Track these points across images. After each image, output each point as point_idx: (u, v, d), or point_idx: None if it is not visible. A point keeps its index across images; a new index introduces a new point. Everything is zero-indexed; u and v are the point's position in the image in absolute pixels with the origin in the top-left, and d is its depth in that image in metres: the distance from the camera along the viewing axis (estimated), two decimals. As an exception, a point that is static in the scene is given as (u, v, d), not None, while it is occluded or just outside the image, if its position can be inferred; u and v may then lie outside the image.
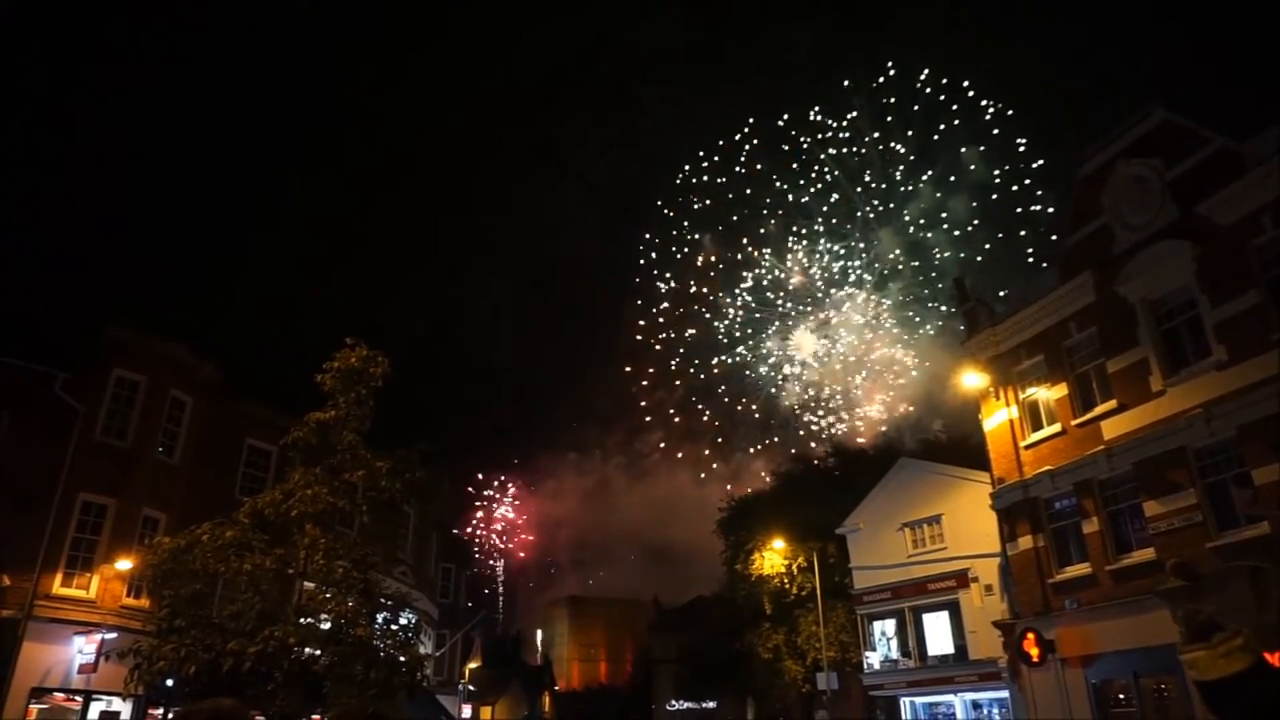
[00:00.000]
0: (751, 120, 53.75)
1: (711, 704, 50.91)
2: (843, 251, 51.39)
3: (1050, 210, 44.99)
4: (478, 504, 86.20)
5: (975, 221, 47.56)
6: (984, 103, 46.82)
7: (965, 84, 47.33)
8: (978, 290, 24.74)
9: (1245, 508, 16.22)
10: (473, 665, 46.36)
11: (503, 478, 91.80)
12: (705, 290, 54.35)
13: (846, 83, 51.28)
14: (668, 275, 56.10)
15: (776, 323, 52.96)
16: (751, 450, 58.42)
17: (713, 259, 54.06)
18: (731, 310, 53.58)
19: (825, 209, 51.55)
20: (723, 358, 54.57)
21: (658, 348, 56.59)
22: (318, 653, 14.21)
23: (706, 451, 62.12)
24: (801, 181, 51.57)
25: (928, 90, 48.21)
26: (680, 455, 71.65)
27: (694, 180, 55.32)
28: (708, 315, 54.50)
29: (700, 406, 58.31)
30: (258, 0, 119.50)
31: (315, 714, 15.41)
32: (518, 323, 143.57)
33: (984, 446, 22.91)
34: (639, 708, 58.17)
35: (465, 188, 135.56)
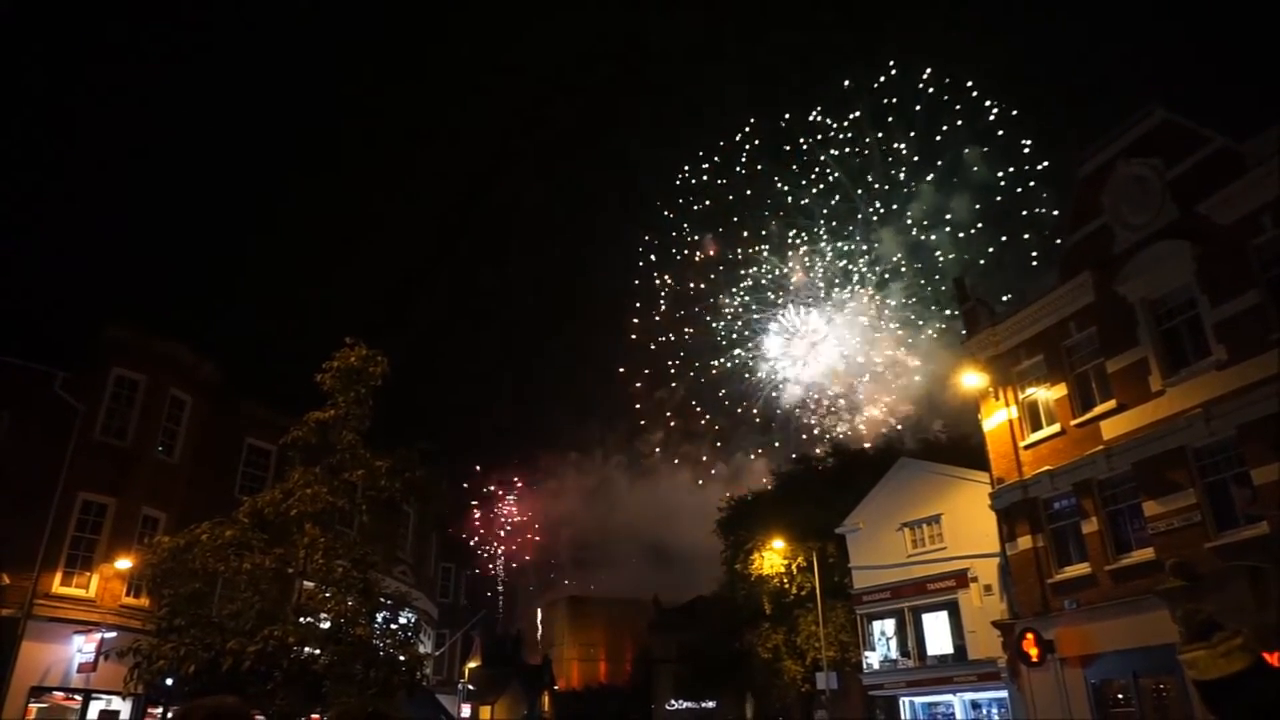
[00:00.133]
0: (752, 120, 53.76)
1: (711, 704, 50.93)
2: (848, 249, 51.33)
3: (1055, 213, 44.91)
4: (474, 503, 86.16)
5: (979, 225, 47.44)
6: (988, 103, 46.69)
7: (969, 84, 47.22)
8: (980, 292, 24.69)
9: (1245, 508, 16.22)
10: (472, 665, 46.38)
11: (502, 477, 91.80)
12: (704, 287, 54.34)
13: (847, 83, 51.26)
14: (666, 277, 56.11)
15: (776, 325, 52.95)
16: (752, 457, 58.45)
17: (711, 253, 54.05)
18: (730, 313, 53.58)
19: (824, 212, 51.51)
20: (721, 360, 54.57)
21: (653, 348, 56.60)
22: (317, 652, 14.20)
23: (704, 458, 62.15)
24: (803, 182, 51.56)
25: (930, 90, 48.15)
26: (680, 457, 71.66)
27: (693, 181, 55.33)
28: (707, 317, 54.52)
29: (699, 409, 58.33)
30: (258, 0, 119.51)
31: (315, 713, 15.41)
32: (518, 323, 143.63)
33: (983, 446, 22.91)
34: (639, 707, 58.19)
35: (466, 189, 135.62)
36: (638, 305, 58.23)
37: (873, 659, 30.74)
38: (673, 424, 61.50)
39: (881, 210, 50.66)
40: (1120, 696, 18.37)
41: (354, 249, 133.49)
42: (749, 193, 53.48)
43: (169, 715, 21.63)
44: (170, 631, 13.84)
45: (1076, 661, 18.94)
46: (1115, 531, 18.93)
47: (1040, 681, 19.69)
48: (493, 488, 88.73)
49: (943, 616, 28.77)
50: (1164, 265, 18.24)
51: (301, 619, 14.48)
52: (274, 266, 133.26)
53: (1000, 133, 46.72)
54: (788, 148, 52.13)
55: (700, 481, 63.52)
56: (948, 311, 47.17)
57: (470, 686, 45.16)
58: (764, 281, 53.24)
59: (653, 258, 56.94)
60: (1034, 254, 45.45)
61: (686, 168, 55.81)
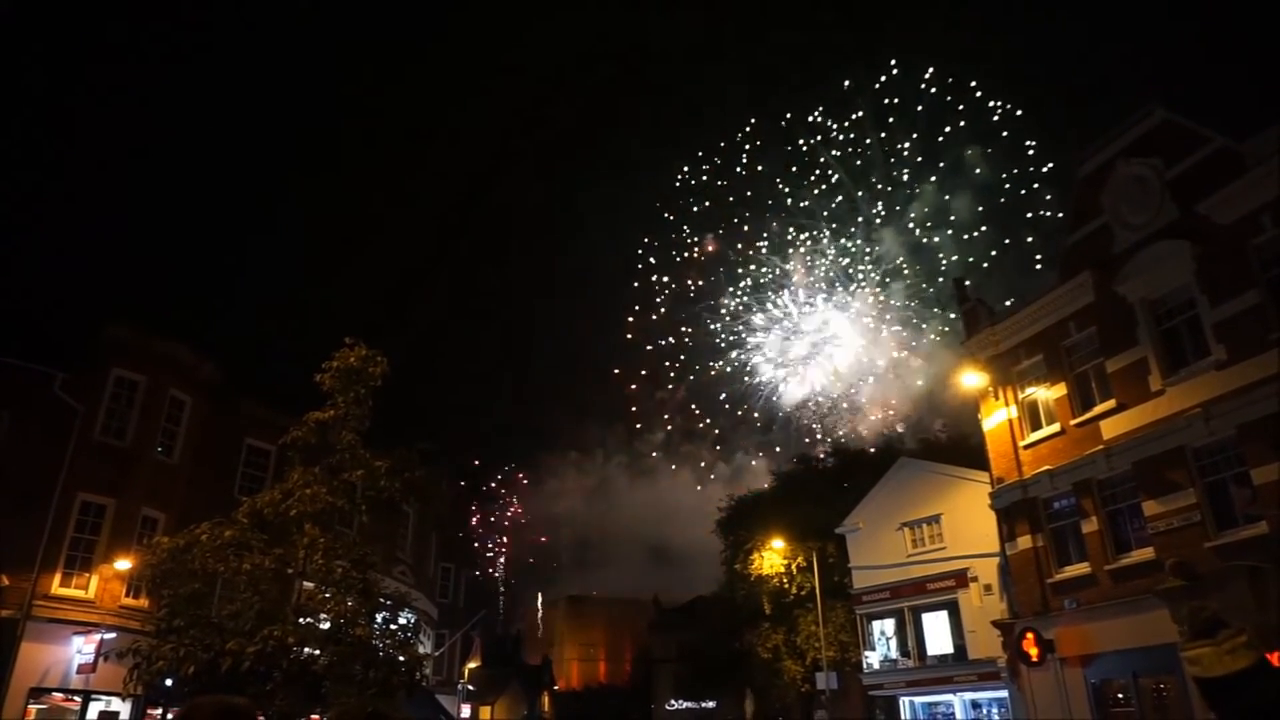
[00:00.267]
0: (753, 121, 53.69)
1: (711, 704, 50.94)
2: (851, 249, 51.26)
3: (1059, 215, 44.70)
4: (475, 504, 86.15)
5: (983, 227, 47.24)
6: (991, 103, 46.48)
7: (973, 84, 47.03)
8: (983, 294, 24.67)
9: (1244, 507, 16.22)
10: (472, 665, 46.36)
11: (502, 477, 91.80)
12: (704, 285, 54.30)
13: (847, 84, 51.18)
14: (664, 277, 56.06)
15: (776, 328, 52.95)
16: (754, 464, 58.44)
17: (710, 249, 53.98)
18: (728, 315, 53.56)
19: (824, 214, 51.46)
20: (719, 364, 54.54)
21: (650, 349, 56.58)
22: (317, 652, 14.21)
23: (702, 463, 62.17)
24: (805, 183, 51.48)
25: (932, 90, 47.98)
26: (680, 457, 71.69)
27: (692, 182, 55.27)
28: (707, 317, 54.49)
29: (698, 412, 58.32)
30: (257, 0, 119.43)
31: (314, 714, 15.40)
32: (518, 323, 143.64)
33: (983, 446, 22.92)
34: (638, 707, 58.18)
35: (466, 189, 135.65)
36: (636, 309, 58.14)
37: (873, 659, 30.74)
38: (673, 425, 61.48)
39: (883, 212, 50.62)
40: (1120, 696, 18.37)
41: (354, 249, 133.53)
42: (749, 194, 53.45)
43: (169, 716, 21.62)
44: (170, 632, 13.84)
45: (1076, 661, 18.94)
46: (1115, 531, 18.93)
47: (1040, 681, 19.69)
48: (493, 486, 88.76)
49: (943, 616, 28.77)
50: (1164, 265, 18.24)
51: (301, 619, 14.48)
52: (274, 266, 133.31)
53: (1005, 134, 46.52)
54: (789, 148, 52.09)
55: (700, 487, 63.56)
56: (952, 316, 47.02)
57: (470, 687, 45.15)
58: (764, 281, 53.23)
59: (651, 260, 56.88)
60: (1038, 257, 45.29)
61: (686, 168, 55.74)
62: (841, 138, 50.41)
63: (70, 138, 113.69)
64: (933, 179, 48.72)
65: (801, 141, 50.95)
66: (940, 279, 48.38)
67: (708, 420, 58.46)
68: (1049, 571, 20.11)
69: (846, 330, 51.37)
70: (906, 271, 49.92)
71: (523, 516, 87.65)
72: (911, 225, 49.61)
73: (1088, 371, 20.12)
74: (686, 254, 55.03)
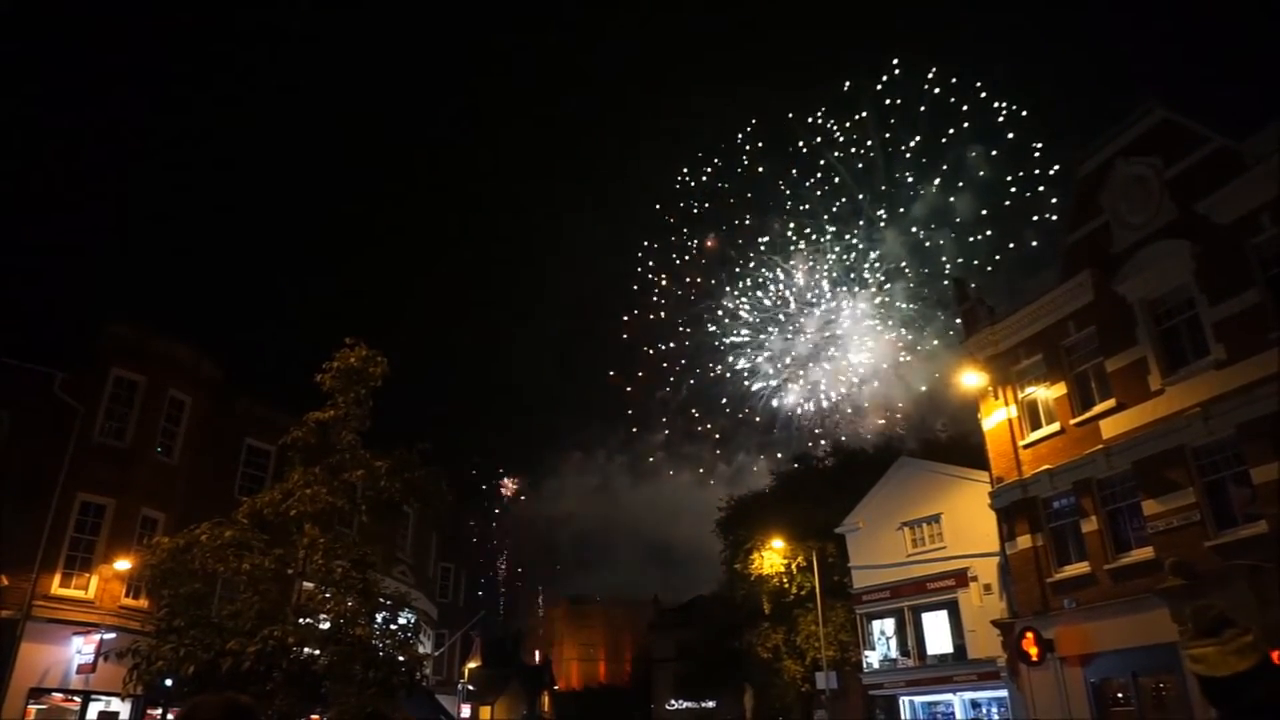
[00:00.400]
0: (754, 121, 53.64)
1: (711, 703, 50.94)
2: (853, 249, 51.18)
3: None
4: (485, 504, 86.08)
5: (988, 231, 47.14)
6: (996, 104, 46.33)
7: (978, 84, 46.87)
8: (986, 295, 24.58)
9: (1244, 507, 16.23)
10: (472, 665, 46.36)
11: (503, 477, 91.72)
12: (703, 283, 54.26)
13: (847, 84, 51.10)
14: (663, 278, 56.01)
15: (777, 329, 52.90)
16: (755, 468, 58.38)
17: (710, 246, 53.95)
18: (727, 318, 53.51)
19: (827, 215, 51.37)
20: (720, 365, 54.50)
21: (651, 352, 56.55)
22: (317, 652, 14.19)
23: (701, 470, 62.08)
24: (807, 184, 51.42)
25: (935, 91, 47.84)
26: (681, 457, 71.66)
27: (692, 184, 55.23)
28: (707, 319, 54.45)
29: (697, 414, 58.29)
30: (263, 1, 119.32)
31: (315, 714, 15.39)
32: (521, 323, 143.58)
33: (983, 446, 22.92)
34: (638, 707, 58.19)
35: (470, 190, 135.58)
36: (635, 313, 58.16)
37: (872, 658, 30.75)
38: (673, 425, 61.46)
39: (885, 214, 50.53)
40: (1120, 695, 18.37)
41: (355, 249, 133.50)
42: (749, 195, 53.42)
43: (169, 716, 21.61)
44: (169, 632, 13.83)
45: (1076, 660, 18.94)
46: (1115, 530, 18.94)
47: (1040, 681, 19.70)
48: (494, 484, 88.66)
49: (942, 616, 28.77)
50: (1163, 264, 18.24)
51: (301, 619, 14.47)
52: (275, 266, 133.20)
53: (1010, 135, 46.32)
54: (790, 149, 52.04)
55: (707, 481, 63.48)
56: (957, 320, 46.72)
57: (470, 687, 45.14)
58: (765, 282, 53.19)
59: (651, 263, 56.92)
60: (1043, 260, 45.13)
61: (685, 170, 55.73)
62: (843, 139, 50.38)
63: (71, 138, 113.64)
64: (936, 181, 48.62)
65: (802, 143, 50.92)
66: (944, 280, 48.29)
67: (708, 426, 58.45)
68: (1049, 571, 20.12)
69: (848, 331, 51.36)
70: (909, 273, 49.88)
71: (523, 516, 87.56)
72: (915, 229, 49.57)
73: (1087, 371, 20.12)
74: (687, 256, 55.05)
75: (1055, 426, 20.55)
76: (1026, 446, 21.29)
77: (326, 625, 14.69)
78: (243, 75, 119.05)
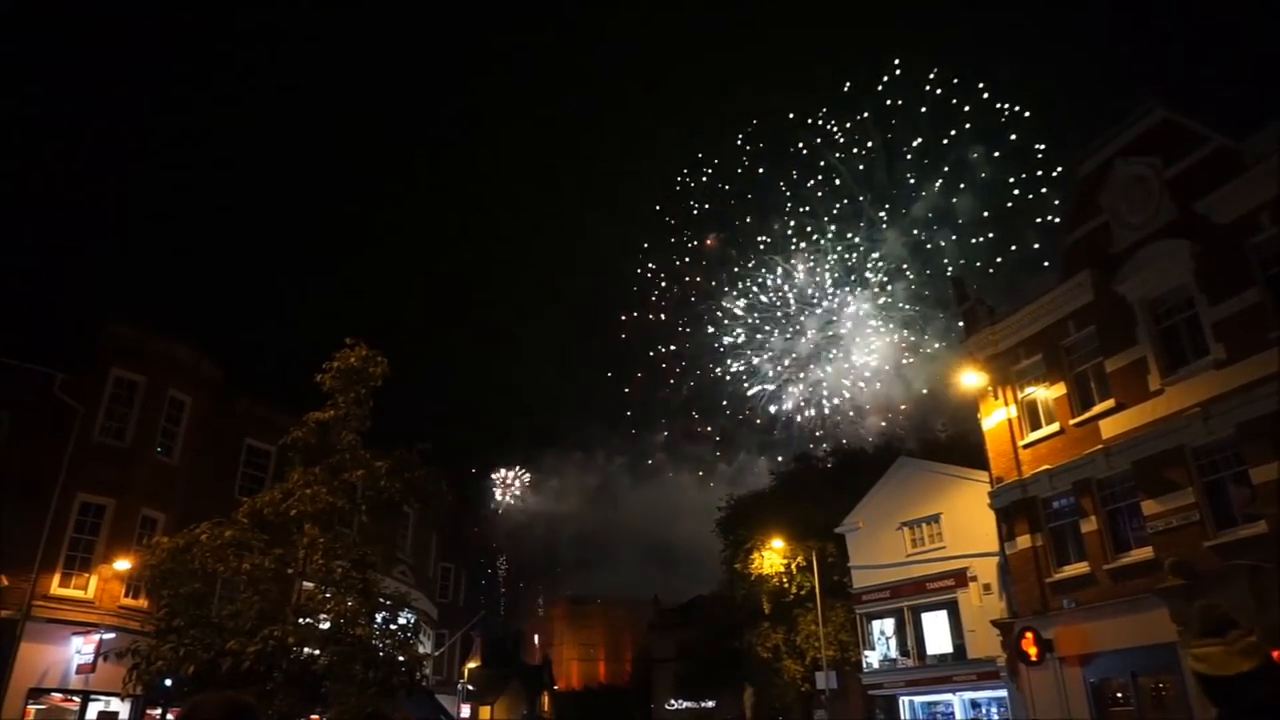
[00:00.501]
0: (754, 122, 53.62)
1: (711, 703, 50.95)
2: (860, 245, 51.09)
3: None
4: (490, 503, 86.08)
5: (990, 234, 47.00)
6: (999, 105, 46.18)
7: (980, 85, 46.75)
8: (987, 297, 24.57)
9: (1243, 506, 16.23)
10: (472, 665, 46.38)
11: (504, 477, 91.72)
12: (702, 282, 54.26)
13: (848, 85, 51.05)
14: (663, 279, 56.02)
15: (777, 330, 52.88)
16: (757, 475, 58.39)
17: (709, 244, 53.96)
18: (726, 320, 53.50)
19: (828, 216, 51.32)
20: (721, 365, 54.47)
21: (651, 355, 56.58)
22: (317, 652, 14.18)
23: (701, 473, 62.10)
24: (809, 184, 51.38)
25: (937, 91, 47.71)
26: (682, 457, 71.68)
27: (692, 184, 55.23)
28: (707, 319, 54.44)
29: (696, 416, 58.30)
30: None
31: (315, 714, 15.39)
32: (521, 323, 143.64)
33: (983, 445, 22.93)
34: (638, 707, 58.20)
35: (470, 190, 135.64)
36: (635, 314, 58.16)
37: (872, 658, 30.75)
38: (675, 425, 61.49)
39: (886, 215, 50.49)
40: (1119, 695, 18.38)
41: (355, 249, 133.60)
42: (749, 196, 53.42)
43: (168, 716, 21.61)
44: (169, 632, 13.82)
45: (1075, 660, 18.94)
46: (1114, 530, 18.94)
47: (1039, 680, 19.70)
48: (495, 483, 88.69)
49: (942, 616, 28.78)
50: (1162, 264, 18.24)
51: (301, 619, 14.46)
52: (274, 267, 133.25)
53: (1013, 137, 46.16)
54: (790, 149, 52.00)
55: (707, 482, 63.48)
56: (959, 323, 46.54)
57: (470, 687, 45.15)
58: (766, 283, 53.18)
59: (651, 264, 56.93)
60: (1045, 263, 45.00)
61: (685, 171, 55.76)
62: (844, 139, 50.34)
63: (71, 137, 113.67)
64: (938, 183, 48.53)
65: (803, 144, 50.89)
66: (946, 281, 48.13)
67: (708, 428, 58.46)
68: (1048, 571, 20.12)
69: (849, 331, 51.36)
70: (910, 274, 49.83)
71: (524, 516, 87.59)
72: (916, 232, 49.53)
73: (1087, 371, 20.13)
74: (687, 258, 55.06)
75: (1055, 426, 20.55)
76: (1026, 446, 21.30)
77: (326, 625, 14.69)
78: (243, 75, 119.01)
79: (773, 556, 36.03)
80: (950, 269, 47.36)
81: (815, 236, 51.52)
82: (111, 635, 20.42)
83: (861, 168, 50.46)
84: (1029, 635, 19.63)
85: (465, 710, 44.01)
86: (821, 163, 50.69)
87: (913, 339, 49.59)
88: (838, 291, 51.77)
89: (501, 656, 59.89)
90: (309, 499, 14.80)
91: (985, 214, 47.00)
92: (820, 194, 51.14)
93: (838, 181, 50.60)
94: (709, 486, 62.92)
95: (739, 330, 53.98)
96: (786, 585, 35.90)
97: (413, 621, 17.60)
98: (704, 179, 54.91)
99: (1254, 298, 16.42)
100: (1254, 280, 16.48)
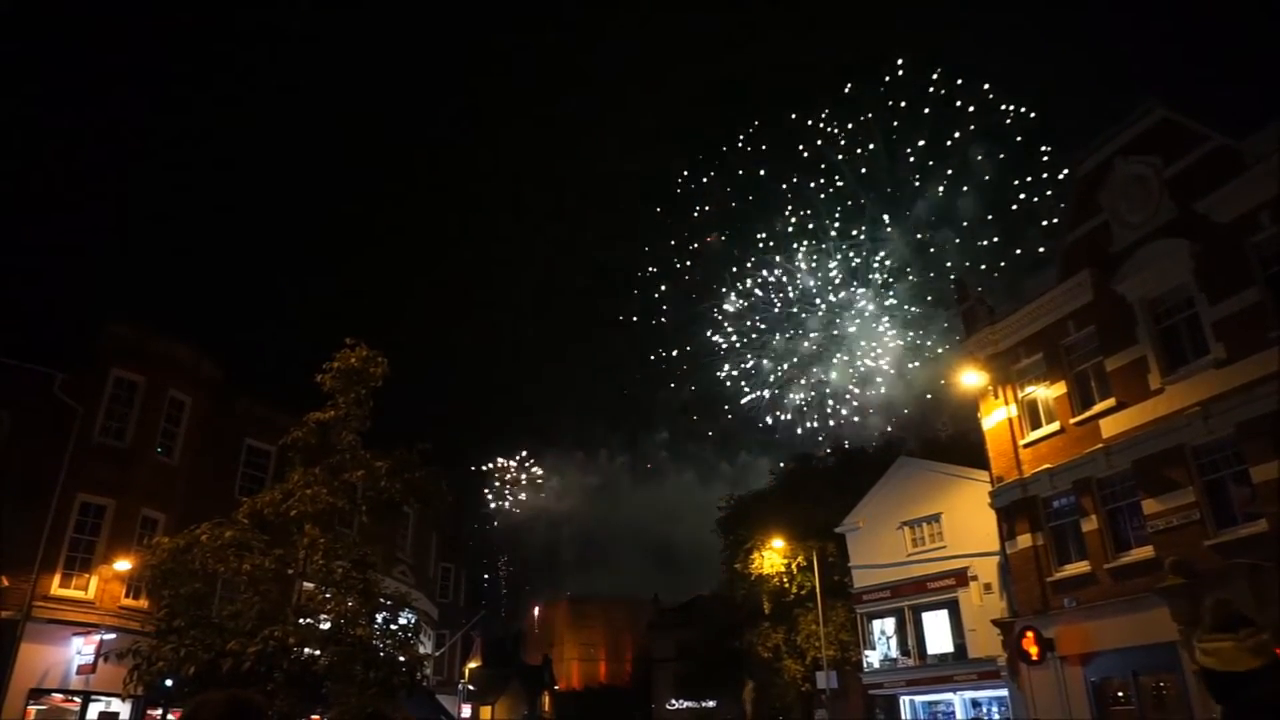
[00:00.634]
0: (756, 123, 53.55)
1: (711, 703, 50.95)
2: (863, 246, 51.03)
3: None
4: (489, 501, 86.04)
5: (994, 238, 46.90)
6: (1004, 106, 46.06)
7: (985, 86, 46.65)
8: (989, 298, 24.56)
9: (1243, 505, 16.24)
10: (472, 665, 46.39)
11: (504, 477, 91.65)
12: (707, 287, 54.27)
13: (849, 86, 50.99)
14: (664, 279, 56.03)
15: (779, 331, 52.86)
16: (759, 477, 58.38)
17: (709, 241, 53.95)
18: (726, 321, 53.47)
19: (827, 221, 51.27)
20: (722, 365, 54.47)
21: (652, 358, 56.60)
22: (317, 653, 14.20)
23: (701, 473, 62.09)
24: (811, 184, 51.33)
25: (941, 93, 47.61)
26: (683, 457, 71.74)
27: (693, 185, 55.20)
28: (708, 320, 54.42)
29: (696, 418, 58.32)
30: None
31: (315, 714, 15.39)
32: (522, 323, 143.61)
33: (983, 445, 22.92)
34: (639, 707, 58.20)
35: (470, 190, 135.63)
36: (635, 318, 58.16)
37: (873, 658, 30.75)
38: (676, 425, 61.52)
39: (890, 217, 50.43)
40: (1120, 694, 18.38)
41: (355, 249, 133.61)
42: (750, 197, 53.39)
43: (169, 716, 21.60)
44: (170, 633, 13.83)
45: (1076, 660, 18.94)
46: (1115, 530, 18.94)
47: (1040, 680, 19.70)
48: (497, 481, 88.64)
49: (943, 615, 28.77)
50: (1162, 263, 18.24)
51: (301, 620, 14.48)
52: (274, 266, 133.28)
53: (1019, 138, 46.07)
54: (793, 150, 51.93)
55: (708, 481, 63.51)
56: (961, 327, 46.42)
57: (470, 686, 45.15)
58: (768, 283, 53.16)
59: (652, 266, 56.93)
60: (1046, 262, 44.76)
61: (686, 172, 55.72)
62: (846, 140, 50.27)
63: (71, 137, 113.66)
64: (942, 185, 48.44)
65: (804, 145, 50.85)
66: (951, 284, 47.99)
67: (709, 431, 58.46)
68: (1049, 570, 20.12)
69: (851, 332, 51.35)
70: (912, 276, 49.79)
71: (524, 516, 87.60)
72: (920, 235, 49.48)
73: (1087, 370, 20.13)
74: (689, 260, 55.04)
75: (1055, 426, 20.55)
76: (1026, 446, 21.30)
77: (327, 625, 14.70)
78: (243, 75, 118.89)
79: (773, 556, 36.03)
80: (951, 270, 47.38)
81: (817, 238, 51.53)
82: (112, 636, 20.41)
83: (864, 169, 50.41)
84: (1030, 634, 19.63)
85: (466, 710, 44.01)
86: (823, 164, 50.67)
87: (915, 339, 49.60)
88: (840, 292, 51.77)
89: (502, 656, 59.90)
90: (309, 499, 14.81)
91: (989, 215, 46.97)
92: (822, 195, 51.10)
93: (840, 182, 50.57)
94: (710, 485, 62.96)
95: (740, 331, 53.99)
96: (787, 585, 35.90)
97: (413, 622, 17.60)
98: (704, 180, 54.91)
99: (1254, 297, 16.42)
100: (1254, 279, 16.48)
